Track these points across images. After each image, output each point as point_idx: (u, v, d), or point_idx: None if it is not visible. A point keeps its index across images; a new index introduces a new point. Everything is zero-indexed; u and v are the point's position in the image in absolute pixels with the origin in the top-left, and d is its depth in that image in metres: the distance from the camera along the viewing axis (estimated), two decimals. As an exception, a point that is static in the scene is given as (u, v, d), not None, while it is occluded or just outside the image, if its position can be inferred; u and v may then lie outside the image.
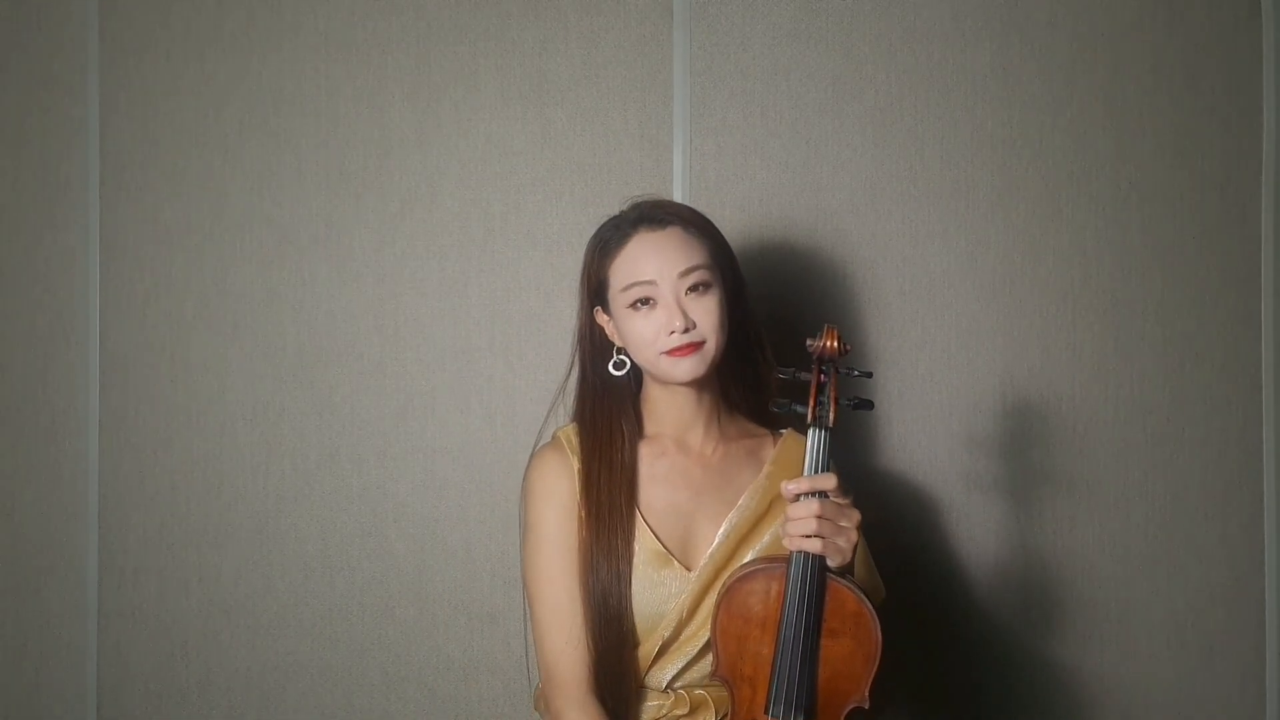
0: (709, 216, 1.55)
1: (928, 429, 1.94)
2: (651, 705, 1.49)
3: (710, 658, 1.45)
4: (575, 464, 1.51)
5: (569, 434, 1.54)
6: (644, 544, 1.48)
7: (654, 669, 1.49)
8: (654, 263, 1.45)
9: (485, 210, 1.94)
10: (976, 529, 1.93)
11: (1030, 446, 1.95)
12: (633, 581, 1.46)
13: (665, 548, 1.48)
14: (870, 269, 1.94)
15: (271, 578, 1.96)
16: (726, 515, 1.50)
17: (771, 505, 1.51)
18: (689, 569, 1.48)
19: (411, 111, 1.95)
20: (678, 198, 1.92)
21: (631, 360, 1.51)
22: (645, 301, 1.45)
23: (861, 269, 1.94)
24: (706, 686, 1.49)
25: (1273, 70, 1.98)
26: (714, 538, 1.49)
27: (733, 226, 1.91)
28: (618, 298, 1.47)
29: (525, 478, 1.55)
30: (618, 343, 1.51)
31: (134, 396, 1.98)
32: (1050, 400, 1.96)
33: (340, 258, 1.96)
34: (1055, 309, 1.96)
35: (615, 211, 1.56)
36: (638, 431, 1.54)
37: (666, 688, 1.49)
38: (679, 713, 1.48)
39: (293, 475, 1.96)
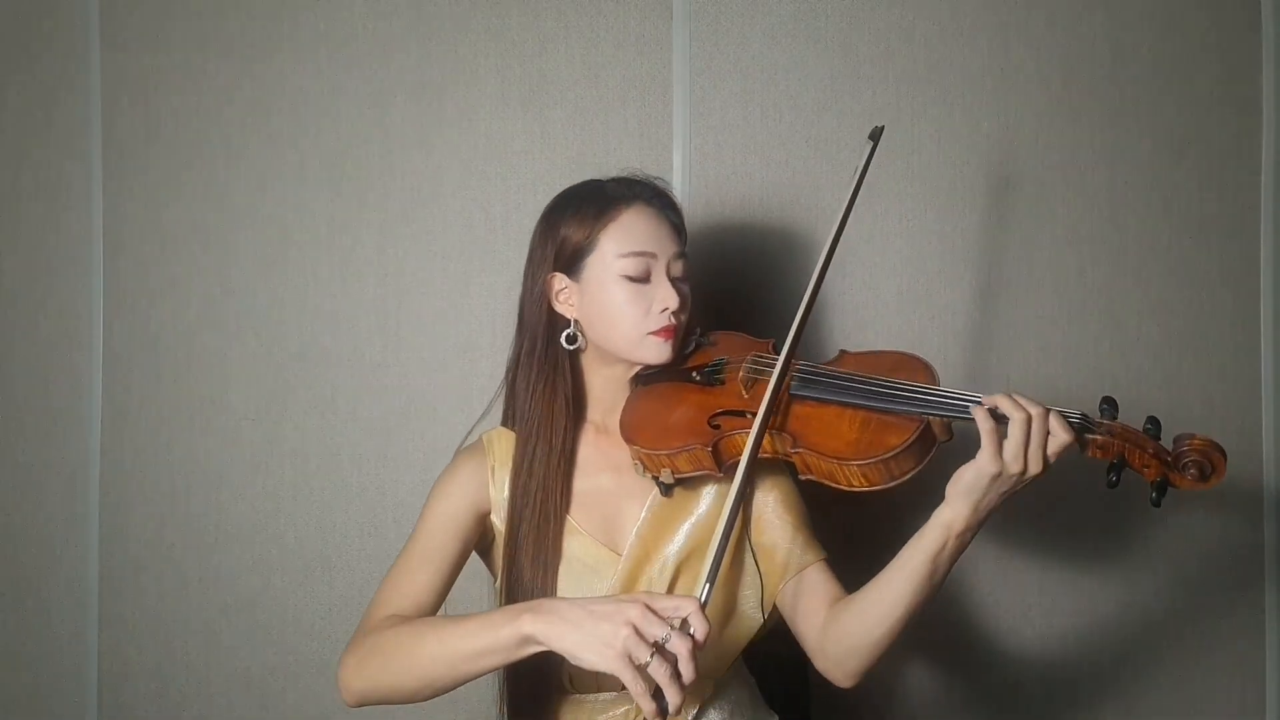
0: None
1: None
2: (616, 711, 1.44)
3: None
4: (491, 468, 1.44)
5: (493, 438, 1.48)
6: (568, 531, 1.42)
7: None
8: (655, 236, 1.39)
9: (486, 210, 1.94)
10: (976, 528, 1.93)
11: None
12: (560, 575, 1.40)
13: (588, 534, 1.42)
14: (868, 268, 1.95)
15: (271, 578, 1.96)
16: (650, 493, 1.43)
17: None
18: (617, 553, 1.42)
19: (412, 111, 1.95)
20: (677, 196, 1.91)
21: (582, 336, 1.43)
22: (641, 274, 1.38)
23: (860, 268, 1.94)
24: None
25: (1273, 70, 1.98)
26: (638, 516, 1.42)
27: (732, 225, 1.92)
28: (611, 264, 1.38)
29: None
30: (572, 314, 1.42)
31: (136, 396, 1.98)
32: (1046, 400, 1.94)
33: (342, 257, 1.96)
34: (1052, 308, 1.96)
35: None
36: (581, 415, 1.47)
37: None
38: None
39: (293, 475, 1.96)
